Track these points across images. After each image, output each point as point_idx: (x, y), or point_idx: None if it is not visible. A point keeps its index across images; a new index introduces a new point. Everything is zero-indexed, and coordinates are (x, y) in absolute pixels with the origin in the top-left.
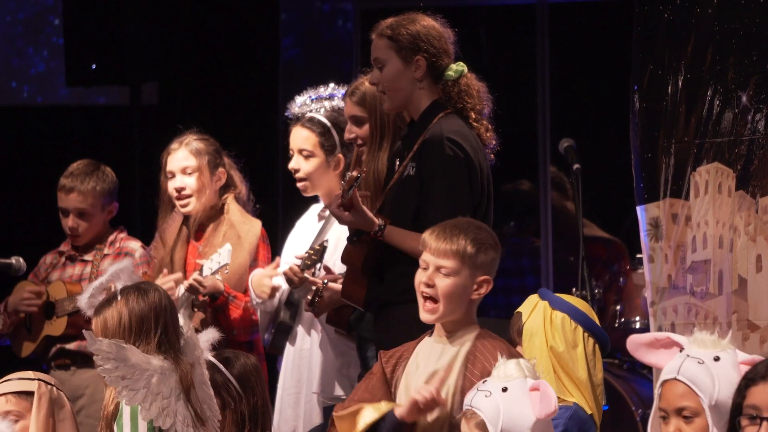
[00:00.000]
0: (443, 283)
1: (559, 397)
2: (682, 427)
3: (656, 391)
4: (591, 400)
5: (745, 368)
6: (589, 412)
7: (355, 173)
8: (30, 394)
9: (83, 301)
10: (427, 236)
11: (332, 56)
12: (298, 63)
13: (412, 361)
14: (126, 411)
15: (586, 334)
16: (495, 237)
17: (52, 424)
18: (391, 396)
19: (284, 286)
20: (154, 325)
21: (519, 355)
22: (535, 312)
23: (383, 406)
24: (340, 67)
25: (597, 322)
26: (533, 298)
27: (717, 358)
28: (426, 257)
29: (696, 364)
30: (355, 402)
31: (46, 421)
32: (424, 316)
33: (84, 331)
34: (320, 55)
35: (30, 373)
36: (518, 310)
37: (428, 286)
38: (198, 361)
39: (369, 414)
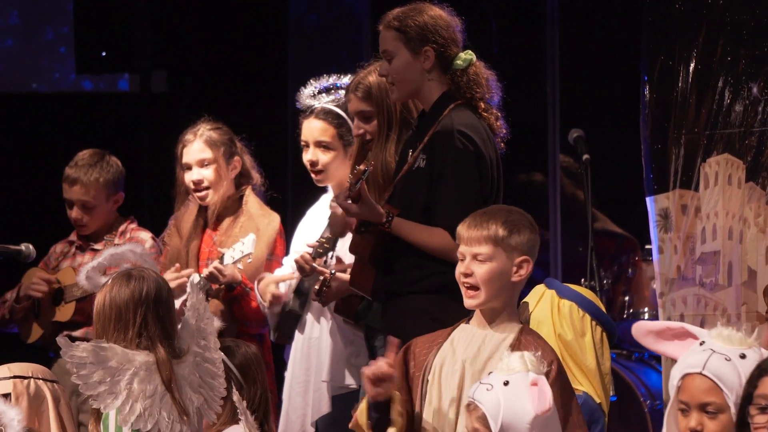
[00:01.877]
0: (481, 270)
1: None
2: (704, 423)
3: (676, 382)
4: (599, 388)
5: None
6: (598, 400)
7: (362, 167)
8: (8, 396)
9: (83, 282)
10: (460, 228)
11: (342, 46)
12: (308, 51)
13: (448, 346)
14: (112, 414)
15: (593, 323)
16: (529, 218)
17: (35, 420)
18: (403, 384)
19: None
20: (132, 315)
21: (554, 358)
22: (542, 301)
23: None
24: (351, 55)
25: (604, 310)
26: (540, 288)
27: (743, 356)
28: (461, 249)
29: (723, 360)
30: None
31: (30, 422)
32: (468, 302)
33: (58, 338)
34: (330, 44)
35: (5, 370)
36: (524, 300)
37: (467, 275)
38: (199, 346)
39: (362, 407)
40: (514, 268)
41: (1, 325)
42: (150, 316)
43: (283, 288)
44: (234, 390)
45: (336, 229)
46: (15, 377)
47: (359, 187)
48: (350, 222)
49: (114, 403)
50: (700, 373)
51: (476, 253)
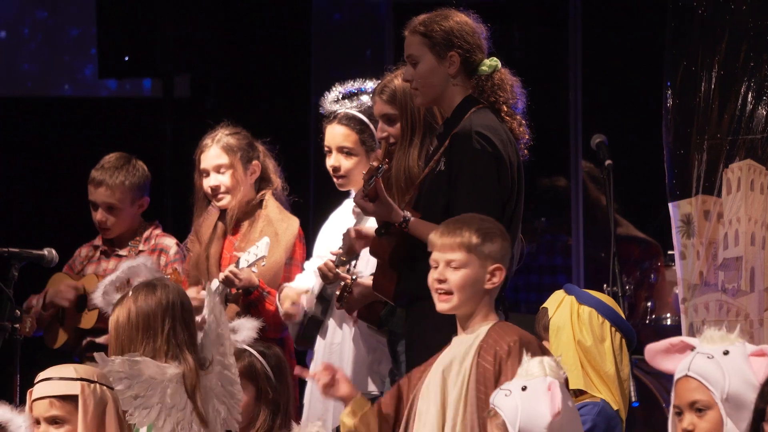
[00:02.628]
0: (454, 276)
1: (586, 393)
2: (695, 421)
3: (672, 392)
4: (618, 394)
5: (755, 359)
6: (616, 407)
7: (375, 163)
8: (74, 397)
9: (98, 299)
10: (433, 236)
11: (365, 50)
12: (331, 56)
13: (439, 360)
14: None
15: (613, 329)
16: (501, 227)
17: (97, 424)
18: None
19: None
20: (161, 323)
21: (534, 343)
22: (561, 307)
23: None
24: (373, 58)
25: (623, 316)
26: (559, 294)
27: (726, 352)
28: (435, 256)
29: (705, 359)
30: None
31: (93, 426)
32: (439, 306)
33: (95, 354)
34: (353, 49)
35: (71, 370)
36: (544, 305)
37: (440, 281)
38: (219, 353)
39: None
40: (488, 276)
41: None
42: (177, 324)
43: (303, 300)
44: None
45: (346, 249)
46: (82, 379)
47: (374, 184)
48: (356, 243)
49: (149, 417)
50: (687, 375)
51: (450, 260)
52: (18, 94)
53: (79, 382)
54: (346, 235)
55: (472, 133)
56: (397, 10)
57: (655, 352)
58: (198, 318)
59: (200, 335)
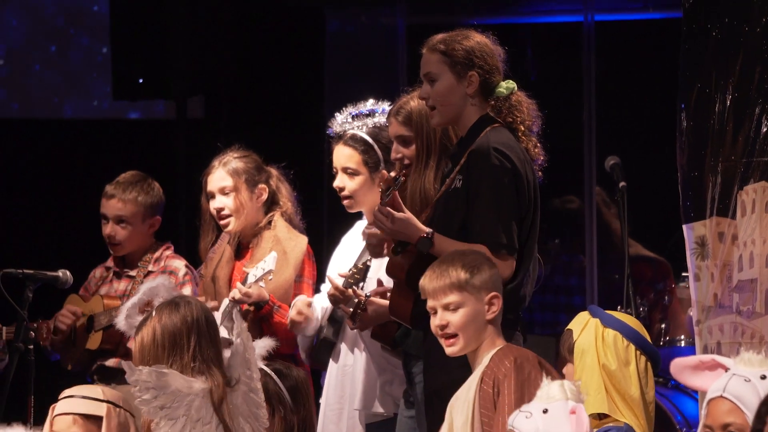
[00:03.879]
0: (455, 318)
1: (609, 417)
2: None
3: (702, 411)
4: (643, 418)
5: None
6: (639, 431)
7: (393, 174)
8: (98, 417)
9: (121, 323)
10: (422, 282)
11: (378, 71)
12: (344, 77)
13: (451, 401)
14: None
15: (638, 352)
16: (485, 255)
17: None
18: None
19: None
20: (186, 339)
21: (530, 361)
22: (586, 330)
23: None
24: (387, 81)
25: (648, 339)
26: (584, 316)
27: (764, 377)
28: (430, 303)
29: (743, 382)
30: None
31: None
32: (448, 350)
33: (122, 362)
34: (366, 69)
35: (99, 392)
36: (568, 327)
37: (443, 327)
38: (245, 376)
39: None
40: (486, 307)
41: (46, 354)
42: (203, 340)
43: (318, 311)
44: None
45: (373, 249)
46: (109, 402)
47: (392, 198)
48: (386, 239)
49: (174, 428)
50: (721, 396)
51: (446, 304)
52: (33, 116)
53: (105, 404)
54: (370, 237)
55: (491, 150)
56: (412, 32)
57: (683, 367)
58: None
59: (227, 354)
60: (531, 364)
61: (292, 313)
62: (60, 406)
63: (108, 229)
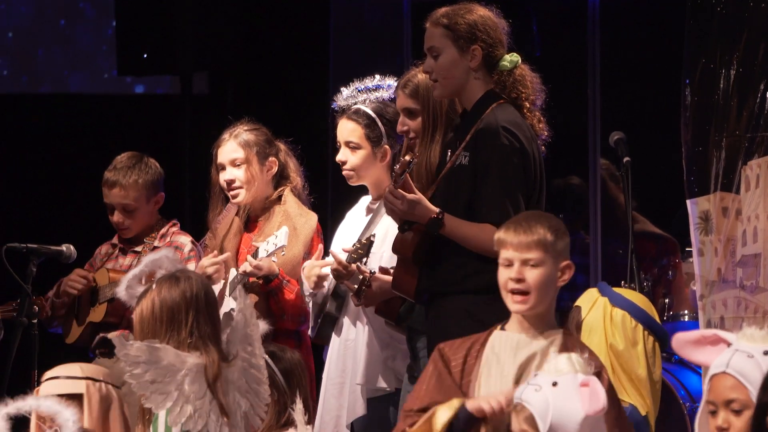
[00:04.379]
0: (533, 275)
1: None
2: (730, 420)
3: (705, 386)
4: (649, 398)
5: None
6: (644, 412)
7: (408, 157)
8: (79, 395)
9: (122, 293)
10: (504, 234)
11: (383, 46)
12: (349, 53)
13: (489, 352)
14: (162, 415)
15: (646, 332)
16: (562, 223)
17: (102, 423)
18: (459, 390)
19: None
20: (185, 314)
21: (601, 366)
22: (594, 308)
23: (455, 403)
24: (392, 57)
25: (657, 318)
26: (592, 293)
27: (767, 352)
28: (508, 254)
29: (745, 357)
30: (427, 404)
31: (97, 424)
32: (516, 307)
33: (112, 336)
34: (371, 46)
35: (77, 369)
36: (577, 303)
37: (518, 281)
38: (246, 351)
39: (444, 414)
40: (559, 273)
41: (46, 324)
42: (201, 316)
43: (326, 269)
44: (299, 399)
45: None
46: (88, 378)
47: (404, 180)
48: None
49: (165, 403)
50: (724, 372)
51: (527, 259)
52: (37, 92)
53: (84, 381)
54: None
55: (499, 128)
56: (416, 8)
57: (684, 342)
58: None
59: (227, 330)
60: (605, 377)
61: (316, 271)
62: (42, 390)
63: (116, 217)
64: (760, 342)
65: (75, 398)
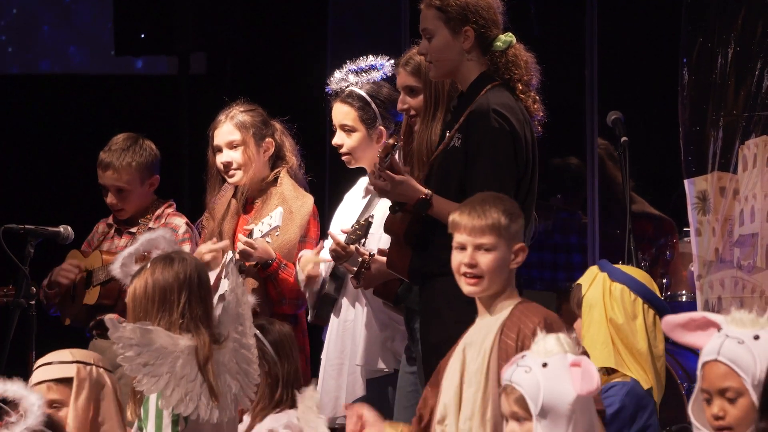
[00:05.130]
0: (486, 260)
1: (617, 371)
2: (726, 408)
3: (698, 372)
4: (651, 372)
5: None
6: (647, 386)
7: (391, 141)
8: (71, 380)
9: (116, 270)
10: (458, 217)
11: (381, 25)
12: (348, 32)
13: (462, 341)
14: (152, 397)
15: (645, 306)
16: (517, 205)
17: (93, 407)
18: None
19: (325, 269)
20: (177, 296)
21: (558, 323)
22: (594, 284)
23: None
24: (390, 36)
25: (657, 293)
26: (593, 270)
27: (757, 337)
28: (461, 238)
29: (736, 344)
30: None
31: (86, 407)
32: (468, 289)
33: (105, 318)
34: (369, 25)
35: (67, 354)
36: (578, 281)
37: (471, 266)
38: (237, 332)
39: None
40: (513, 256)
41: (45, 309)
42: (193, 298)
43: (322, 269)
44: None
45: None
46: (78, 362)
47: (390, 162)
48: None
49: (157, 385)
50: (716, 360)
51: (480, 244)
52: (35, 72)
53: (74, 365)
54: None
55: (490, 112)
56: None
57: (674, 324)
58: (212, 276)
59: (219, 310)
60: (558, 325)
61: (308, 268)
62: (34, 376)
63: (109, 198)
64: (749, 326)
65: (67, 382)
